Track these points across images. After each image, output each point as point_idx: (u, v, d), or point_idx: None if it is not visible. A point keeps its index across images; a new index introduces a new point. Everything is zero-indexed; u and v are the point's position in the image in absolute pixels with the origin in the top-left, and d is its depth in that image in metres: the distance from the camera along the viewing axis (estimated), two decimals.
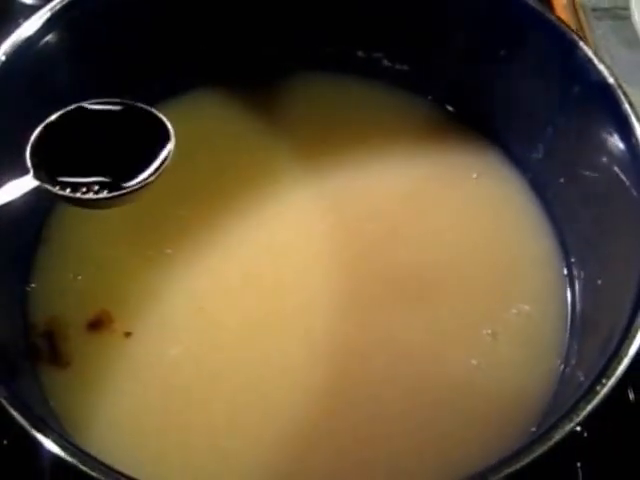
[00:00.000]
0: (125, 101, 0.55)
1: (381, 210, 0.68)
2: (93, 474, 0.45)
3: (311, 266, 0.65)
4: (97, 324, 0.62)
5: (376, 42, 0.72)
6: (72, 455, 0.46)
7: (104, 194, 0.52)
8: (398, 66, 0.73)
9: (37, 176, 0.51)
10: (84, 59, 0.63)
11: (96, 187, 0.52)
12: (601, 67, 0.58)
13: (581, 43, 0.59)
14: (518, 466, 0.45)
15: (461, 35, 0.68)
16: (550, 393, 0.60)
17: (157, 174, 0.53)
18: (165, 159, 0.53)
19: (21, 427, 0.47)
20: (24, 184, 0.51)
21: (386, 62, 0.73)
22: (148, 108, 0.55)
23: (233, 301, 0.63)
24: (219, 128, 0.72)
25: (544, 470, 0.58)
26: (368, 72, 0.73)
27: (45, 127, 0.53)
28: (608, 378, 0.48)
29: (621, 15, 0.86)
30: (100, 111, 0.55)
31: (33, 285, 0.63)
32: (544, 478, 0.59)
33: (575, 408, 0.47)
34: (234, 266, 0.65)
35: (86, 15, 0.62)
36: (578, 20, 0.84)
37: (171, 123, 0.55)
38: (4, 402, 0.47)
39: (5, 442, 0.60)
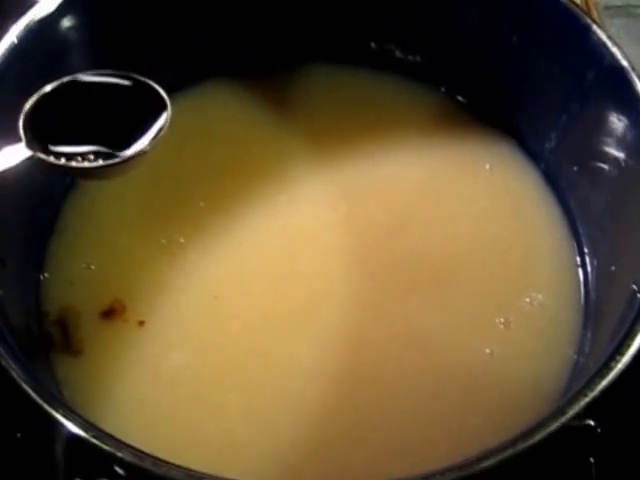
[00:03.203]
0: (120, 72, 0.55)
1: (394, 200, 0.68)
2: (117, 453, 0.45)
3: (324, 255, 0.65)
4: (110, 313, 0.62)
5: (388, 34, 0.72)
6: (89, 432, 0.45)
7: (99, 163, 0.52)
8: (410, 58, 0.73)
9: (31, 146, 0.51)
10: (97, 47, 0.64)
11: (91, 156, 0.52)
12: (614, 50, 0.58)
13: (594, 27, 0.59)
14: (532, 442, 0.45)
15: (473, 25, 0.68)
16: (563, 382, 0.59)
17: (152, 144, 0.53)
18: (161, 129, 0.53)
19: (36, 414, 0.47)
20: (17, 153, 0.50)
21: (398, 53, 0.73)
22: (144, 79, 0.54)
23: (247, 290, 0.63)
24: (233, 118, 0.72)
25: (557, 464, 0.58)
26: (381, 64, 0.73)
27: (40, 98, 0.53)
28: (622, 355, 0.48)
29: (634, 13, 0.87)
30: (95, 82, 0.54)
31: (46, 274, 0.63)
32: (557, 471, 0.59)
33: (590, 383, 0.47)
34: (248, 255, 0.65)
35: (99, 1, 0.63)
36: (591, 18, 0.84)
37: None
38: (23, 385, 0.47)
39: (19, 435, 0.61)
